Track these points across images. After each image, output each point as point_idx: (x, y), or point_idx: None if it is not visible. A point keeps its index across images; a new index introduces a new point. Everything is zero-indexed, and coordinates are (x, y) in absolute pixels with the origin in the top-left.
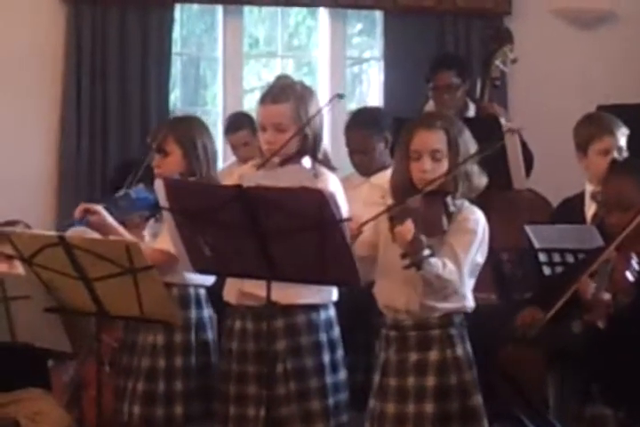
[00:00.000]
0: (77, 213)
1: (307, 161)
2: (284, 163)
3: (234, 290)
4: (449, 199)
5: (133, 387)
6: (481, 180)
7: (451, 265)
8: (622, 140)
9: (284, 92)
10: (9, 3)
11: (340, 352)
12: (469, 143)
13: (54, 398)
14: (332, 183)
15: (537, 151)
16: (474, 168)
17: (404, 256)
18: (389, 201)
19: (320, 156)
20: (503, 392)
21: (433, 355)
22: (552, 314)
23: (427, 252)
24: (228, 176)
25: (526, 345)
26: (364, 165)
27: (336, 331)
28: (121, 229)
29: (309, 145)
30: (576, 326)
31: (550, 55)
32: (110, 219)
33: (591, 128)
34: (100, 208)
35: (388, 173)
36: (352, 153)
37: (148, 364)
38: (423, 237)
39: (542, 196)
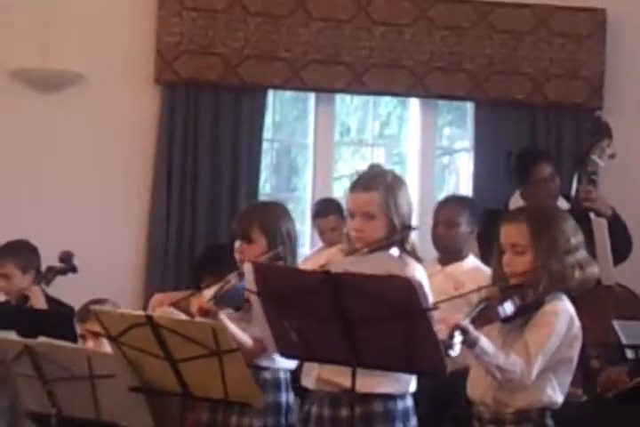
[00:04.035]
0: (195, 310)
1: (394, 251)
2: (371, 251)
3: (312, 375)
4: (530, 292)
5: None
6: (573, 272)
7: (515, 357)
8: None
9: (375, 180)
10: (105, 83)
11: None
12: (560, 235)
13: None
14: (419, 274)
15: None
16: (566, 260)
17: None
18: (464, 290)
19: (408, 246)
20: None
21: None
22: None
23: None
24: (316, 261)
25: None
26: (445, 239)
27: (413, 421)
28: (233, 327)
29: (397, 235)
30: None
31: None
32: (225, 318)
33: None
34: (214, 308)
35: (463, 264)
36: (436, 225)
37: None
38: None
39: (632, 291)
